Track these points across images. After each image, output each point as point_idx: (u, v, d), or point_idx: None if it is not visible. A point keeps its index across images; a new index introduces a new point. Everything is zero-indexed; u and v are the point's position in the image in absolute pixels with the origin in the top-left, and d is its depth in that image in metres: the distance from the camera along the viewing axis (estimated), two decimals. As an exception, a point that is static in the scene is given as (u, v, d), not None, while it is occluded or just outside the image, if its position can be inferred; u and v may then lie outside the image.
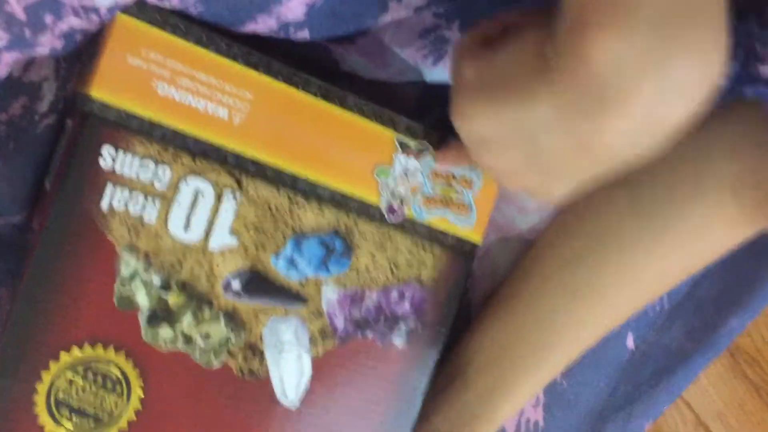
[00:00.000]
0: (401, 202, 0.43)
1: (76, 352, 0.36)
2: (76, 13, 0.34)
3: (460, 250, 0.44)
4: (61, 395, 0.36)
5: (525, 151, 0.31)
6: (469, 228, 0.45)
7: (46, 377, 0.36)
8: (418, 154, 0.43)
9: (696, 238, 0.44)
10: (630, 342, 0.51)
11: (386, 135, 0.42)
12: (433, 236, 0.44)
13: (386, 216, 0.42)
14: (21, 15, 0.33)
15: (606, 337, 0.49)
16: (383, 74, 0.44)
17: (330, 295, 0.42)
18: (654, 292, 0.46)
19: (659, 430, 0.90)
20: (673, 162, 0.44)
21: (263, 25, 0.37)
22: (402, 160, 0.42)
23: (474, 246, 0.45)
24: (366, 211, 0.42)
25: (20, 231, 0.40)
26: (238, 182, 0.39)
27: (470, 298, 0.50)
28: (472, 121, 0.31)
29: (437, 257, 0.44)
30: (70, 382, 0.36)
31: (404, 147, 0.42)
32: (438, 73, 0.44)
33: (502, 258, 0.50)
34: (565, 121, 0.28)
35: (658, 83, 0.26)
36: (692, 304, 0.51)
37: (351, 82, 0.45)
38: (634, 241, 0.45)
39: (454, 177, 0.44)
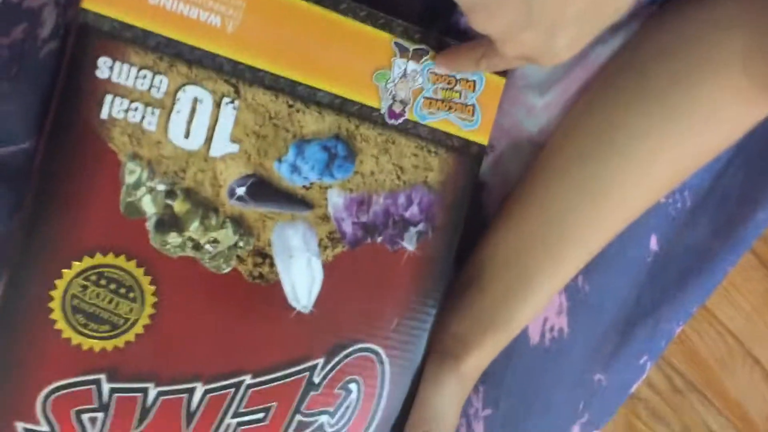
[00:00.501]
0: (402, 105, 0.43)
1: (87, 260, 0.37)
2: None
3: (466, 152, 0.44)
4: (75, 302, 0.37)
5: (521, 4, 0.31)
6: (473, 129, 0.44)
7: (60, 285, 0.37)
8: (417, 56, 0.42)
9: (708, 120, 0.42)
10: (653, 243, 0.51)
11: (383, 39, 0.42)
12: (438, 139, 0.44)
13: (387, 120, 0.42)
14: None
15: (628, 240, 0.49)
16: None
17: (336, 199, 0.42)
18: (667, 184, 0.45)
19: (704, 360, 0.89)
20: (678, 43, 0.42)
21: None
22: (401, 64, 0.42)
23: (480, 147, 0.45)
24: (367, 115, 0.42)
25: (29, 158, 0.41)
26: (236, 89, 0.39)
27: (485, 207, 0.50)
28: None
29: (443, 160, 0.44)
30: (84, 288, 0.38)
31: (402, 50, 0.42)
32: None
33: (514, 164, 0.49)
34: None
35: None
36: (715, 199, 0.50)
37: None
38: (643, 131, 0.44)
39: (456, 79, 0.44)
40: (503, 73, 0.45)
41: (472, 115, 0.44)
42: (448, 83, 0.43)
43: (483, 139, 0.45)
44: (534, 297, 0.46)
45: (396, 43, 0.42)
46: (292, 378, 0.42)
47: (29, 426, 0.37)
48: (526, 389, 0.50)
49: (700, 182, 0.49)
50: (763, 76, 0.40)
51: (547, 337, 0.50)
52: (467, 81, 0.44)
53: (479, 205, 0.50)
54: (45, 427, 0.38)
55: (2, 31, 0.38)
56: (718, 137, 0.43)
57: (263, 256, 0.41)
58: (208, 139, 0.39)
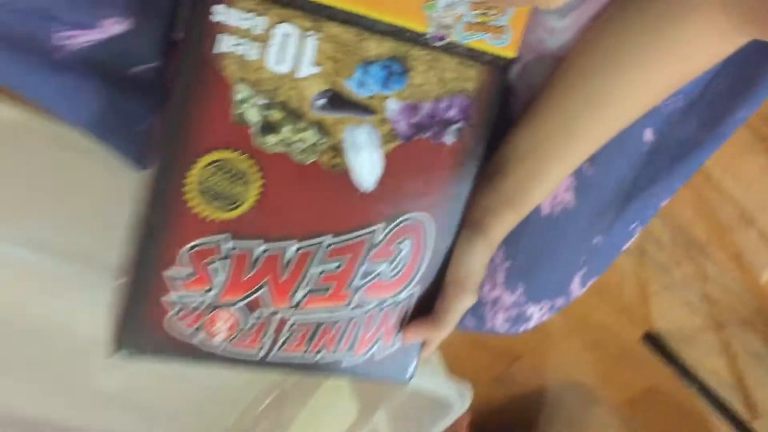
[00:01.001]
0: (446, 29, 0.54)
1: (211, 154, 0.51)
2: None
3: (497, 65, 0.55)
4: (203, 184, 0.52)
5: None
6: (504, 46, 0.55)
7: (193, 171, 0.51)
8: None
9: (692, 49, 0.52)
10: (648, 135, 0.62)
11: None
12: (475, 55, 0.55)
13: (434, 42, 0.53)
14: None
15: (627, 132, 0.60)
16: None
17: (393, 106, 0.54)
18: (657, 97, 0.56)
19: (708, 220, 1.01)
20: None
21: None
22: None
23: (509, 60, 0.56)
24: (418, 39, 0.53)
25: (159, 73, 0.54)
26: (316, 25, 0.51)
27: (512, 108, 0.62)
28: None
29: (479, 71, 0.55)
30: (209, 175, 0.52)
31: None
32: None
33: (538, 74, 0.60)
34: None
35: None
36: (706, 100, 0.60)
37: None
38: (641, 54, 0.54)
39: (490, 6, 0.54)
40: None
41: (503, 34, 0.55)
42: (484, 9, 0.54)
43: (512, 54, 0.55)
44: (547, 181, 0.59)
45: None
46: (360, 238, 0.57)
47: (175, 271, 0.53)
48: (538, 247, 0.64)
49: (693, 88, 0.59)
50: (739, 18, 0.49)
51: (557, 208, 0.63)
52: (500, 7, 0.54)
53: (508, 106, 0.61)
54: (187, 271, 0.53)
55: None
56: (699, 63, 0.53)
57: (337, 150, 0.54)
58: (296, 64, 0.51)
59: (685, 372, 1.22)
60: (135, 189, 0.56)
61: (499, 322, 0.69)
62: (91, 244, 0.62)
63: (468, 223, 0.59)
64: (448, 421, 0.84)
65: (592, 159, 0.61)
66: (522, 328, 0.70)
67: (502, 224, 0.59)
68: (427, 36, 0.53)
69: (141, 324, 0.54)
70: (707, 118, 0.62)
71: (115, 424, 1.04)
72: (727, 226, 1.09)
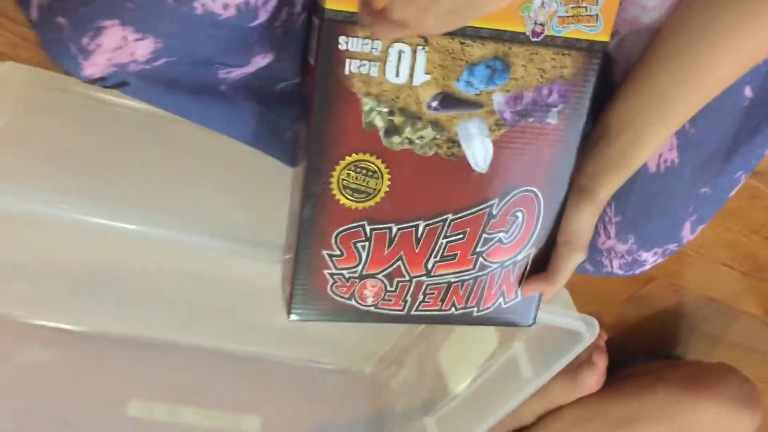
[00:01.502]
0: (542, 26, 0.60)
1: (349, 158, 0.62)
2: None
3: (592, 49, 0.62)
4: (344, 182, 0.63)
5: None
6: (597, 32, 0.61)
7: (335, 173, 0.62)
8: None
9: None
10: (748, 92, 0.66)
11: None
12: (570, 44, 0.61)
13: (531, 38, 0.60)
14: None
15: (727, 90, 0.64)
16: None
17: (498, 98, 0.62)
18: (751, 63, 0.60)
19: None
20: None
21: None
22: None
23: (603, 44, 0.61)
24: (516, 38, 0.60)
25: (298, 87, 0.65)
26: (425, 40, 0.59)
27: (613, 75, 0.67)
28: None
29: (574, 58, 0.62)
30: (348, 174, 0.62)
31: None
32: None
33: (635, 46, 0.65)
34: None
35: None
36: None
37: None
38: (732, 26, 0.58)
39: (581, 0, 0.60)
40: None
41: (596, 22, 0.61)
42: (576, 3, 0.60)
43: (605, 38, 0.61)
44: (648, 147, 0.65)
45: None
46: (478, 212, 0.66)
47: (328, 252, 0.65)
48: (648, 201, 0.70)
49: None
50: None
51: (662, 166, 0.69)
52: None
53: (609, 75, 0.67)
54: (337, 252, 0.65)
55: (275, 16, 0.60)
56: None
57: (453, 141, 0.63)
58: (411, 75, 0.60)
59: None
60: (289, 183, 0.68)
61: (615, 266, 0.76)
62: (257, 228, 0.75)
63: (575, 188, 0.67)
64: (579, 349, 0.93)
65: (693, 118, 0.66)
66: (639, 270, 0.77)
67: (607, 187, 0.66)
68: (525, 34, 0.60)
69: (308, 293, 0.67)
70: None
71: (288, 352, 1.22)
72: None
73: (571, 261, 0.67)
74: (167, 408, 1.08)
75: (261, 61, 0.61)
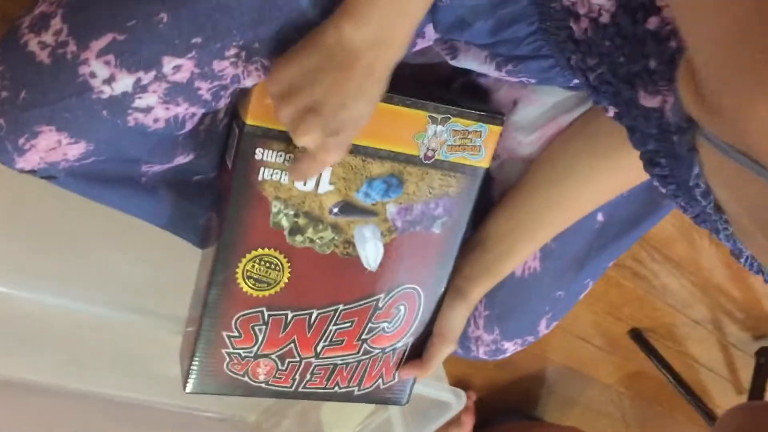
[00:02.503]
0: (433, 151, 0.69)
1: (255, 252, 0.69)
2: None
3: (474, 173, 0.71)
4: (248, 272, 0.69)
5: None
6: (479, 160, 0.71)
7: (242, 264, 0.69)
8: (443, 122, 0.68)
9: (629, 167, 0.68)
10: (600, 216, 0.77)
11: (421, 114, 0.67)
12: (456, 168, 0.71)
13: (423, 161, 0.69)
14: (208, 96, 0.60)
15: (580, 219, 0.76)
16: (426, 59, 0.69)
17: (392, 209, 0.71)
18: (605, 198, 0.72)
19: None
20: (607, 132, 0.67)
21: None
22: (432, 128, 0.68)
23: (484, 170, 0.71)
24: (411, 160, 0.69)
25: (213, 180, 0.71)
26: (331, 155, 0.67)
27: (492, 193, 0.78)
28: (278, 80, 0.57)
29: (459, 179, 0.71)
30: (253, 266, 0.69)
31: (433, 119, 0.68)
32: (456, 62, 0.68)
33: (512, 170, 0.76)
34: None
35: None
36: (644, 186, 0.75)
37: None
38: (587, 171, 0.69)
39: (468, 131, 0.69)
40: (500, 123, 0.70)
41: (479, 152, 0.71)
42: (463, 135, 0.70)
43: (486, 164, 0.71)
44: (518, 257, 0.75)
45: (430, 116, 0.68)
46: (366, 305, 0.74)
47: (228, 333, 0.71)
48: (512, 300, 0.81)
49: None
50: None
51: (527, 272, 0.80)
52: (476, 131, 0.70)
53: (489, 191, 0.78)
54: (236, 333, 0.72)
55: (200, 122, 0.67)
56: (635, 176, 0.69)
57: (349, 243, 0.71)
58: (317, 184, 0.68)
59: (661, 362, 1.39)
60: (197, 264, 0.74)
61: (481, 353, 0.86)
62: (162, 298, 0.80)
63: (452, 288, 0.76)
64: (447, 417, 1.03)
65: (555, 236, 0.77)
66: (500, 356, 0.87)
67: (480, 289, 0.76)
68: (419, 157, 0.69)
69: (205, 368, 0.73)
70: (646, 200, 0.77)
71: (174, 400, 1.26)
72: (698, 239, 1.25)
73: (443, 351, 0.76)
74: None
75: (183, 159, 0.68)
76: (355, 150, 0.67)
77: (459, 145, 0.70)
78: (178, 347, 0.79)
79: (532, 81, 0.64)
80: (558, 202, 0.72)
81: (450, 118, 0.68)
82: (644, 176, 0.69)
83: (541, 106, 0.71)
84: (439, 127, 0.68)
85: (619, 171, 0.69)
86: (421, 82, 0.71)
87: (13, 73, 0.60)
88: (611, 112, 0.57)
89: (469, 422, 1.31)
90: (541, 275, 0.80)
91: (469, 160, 0.71)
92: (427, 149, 0.69)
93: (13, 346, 1.05)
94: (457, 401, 1.01)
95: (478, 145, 0.70)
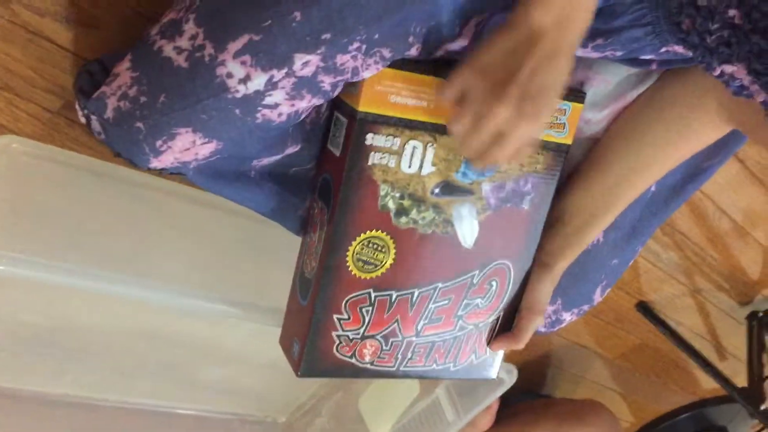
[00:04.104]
0: None
1: (364, 234, 0.71)
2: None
3: (559, 149, 0.76)
4: (358, 255, 0.72)
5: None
6: (563, 137, 0.75)
7: (351, 247, 0.71)
8: None
9: (697, 136, 0.74)
10: (652, 188, 0.83)
11: None
12: (543, 145, 0.75)
13: None
14: (328, 88, 0.63)
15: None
16: None
17: (486, 187, 0.74)
18: (672, 166, 0.78)
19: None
20: (683, 91, 0.72)
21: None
22: None
23: (568, 146, 0.76)
24: None
25: (309, 171, 0.73)
26: (434, 138, 0.70)
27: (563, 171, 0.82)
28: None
29: (546, 156, 0.75)
30: (362, 248, 0.72)
31: None
32: None
33: (576, 149, 0.80)
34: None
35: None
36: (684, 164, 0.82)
37: None
38: (656, 142, 0.75)
39: (556, 109, 0.74)
40: (582, 101, 0.75)
41: (564, 129, 0.75)
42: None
43: (569, 141, 0.76)
44: (596, 229, 0.79)
45: None
46: (462, 282, 0.77)
47: (338, 316, 0.74)
48: (575, 272, 0.85)
49: None
50: (726, 119, 0.70)
51: (591, 244, 0.84)
52: (561, 109, 0.74)
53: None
54: (345, 316, 0.74)
55: (320, 114, 0.69)
56: (701, 144, 0.75)
57: (447, 222, 0.74)
58: (420, 166, 0.71)
59: (670, 331, 1.47)
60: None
61: (541, 326, 0.91)
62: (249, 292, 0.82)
63: (536, 263, 0.80)
64: (500, 392, 1.06)
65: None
66: (557, 328, 0.92)
67: (563, 262, 0.80)
68: None
69: (316, 353, 0.74)
70: (692, 165, 0.84)
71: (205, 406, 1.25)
72: (704, 214, 1.33)
73: (533, 323, 0.80)
74: (98, 466, 1.08)
75: (291, 150, 0.70)
76: (456, 131, 0.70)
77: (548, 123, 0.74)
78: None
79: (618, 54, 0.69)
80: (635, 170, 0.77)
81: None
82: (714, 137, 0.75)
83: (607, 85, 0.76)
84: None
85: (691, 134, 0.74)
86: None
87: (149, 78, 0.61)
88: (718, 71, 0.62)
89: (495, 405, 1.35)
90: (602, 245, 0.85)
91: (554, 137, 0.75)
92: None
93: (61, 361, 1.04)
94: (509, 377, 1.05)
95: (562, 122, 0.75)
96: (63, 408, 1.07)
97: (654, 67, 0.72)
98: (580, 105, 0.75)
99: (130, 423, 1.13)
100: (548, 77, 0.58)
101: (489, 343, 0.82)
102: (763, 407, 1.48)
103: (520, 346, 0.82)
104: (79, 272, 0.78)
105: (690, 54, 0.64)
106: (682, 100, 0.73)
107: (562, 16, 0.56)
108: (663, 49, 0.67)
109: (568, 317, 0.90)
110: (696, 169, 0.84)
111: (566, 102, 0.74)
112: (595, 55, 0.69)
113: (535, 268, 0.80)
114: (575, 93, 0.74)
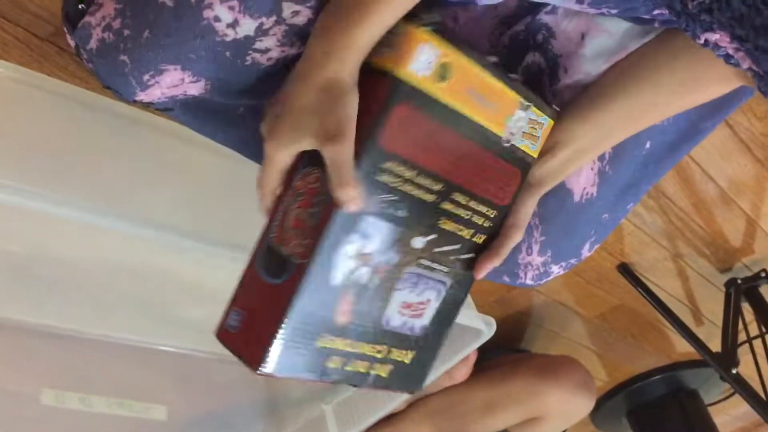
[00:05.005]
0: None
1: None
2: None
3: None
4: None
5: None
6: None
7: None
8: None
9: (705, 88, 0.73)
10: (647, 145, 0.83)
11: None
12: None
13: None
14: None
15: (635, 143, 0.81)
16: None
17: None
18: (670, 114, 0.78)
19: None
20: (686, 47, 0.72)
21: None
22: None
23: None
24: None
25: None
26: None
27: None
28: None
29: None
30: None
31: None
32: None
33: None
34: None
35: None
36: (684, 115, 0.81)
37: None
38: (666, 86, 0.73)
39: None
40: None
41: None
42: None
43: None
44: (582, 161, 0.77)
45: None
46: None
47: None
48: (568, 224, 0.86)
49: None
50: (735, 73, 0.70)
51: (584, 198, 0.85)
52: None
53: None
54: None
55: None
56: (707, 96, 0.74)
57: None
58: None
59: (649, 294, 1.49)
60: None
61: (528, 278, 0.92)
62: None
63: (525, 186, 0.78)
64: (478, 344, 1.08)
65: (610, 161, 0.83)
66: (545, 280, 0.93)
67: (547, 188, 0.79)
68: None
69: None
70: (686, 126, 0.84)
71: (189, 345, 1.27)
72: (691, 180, 1.34)
73: (514, 240, 0.78)
74: (78, 397, 1.09)
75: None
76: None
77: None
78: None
79: (614, 12, 0.68)
80: (634, 111, 0.76)
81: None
82: (720, 91, 0.75)
83: (609, 36, 0.75)
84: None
85: (697, 84, 0.73)
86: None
87: (134, 11, 0.60)
88: (703, 39, 0.62)
89: (473, 357, 1.37)
90: (596, 200, 0.85)
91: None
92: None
93: (42, 291, 1.04)
94: (488, 329, 1.07)
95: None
96: (44, 338, 1.07)
97: (656, 25, 0.71)
98: (552, 121, 0.74)
99: (111, 356, 1.15)
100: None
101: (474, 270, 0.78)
102: (734, 371, 1.51)
103: (498, 261, 0.78)
104: (62, 201, 0.78)
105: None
106: (697, 50, 0.72)
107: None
108: (656, 12, 0.66)
109: (556, 270, 0.91)
110: (692, 129, 0.84)
111: (546, 117, 0.74)
112: (591, 10, 0.69)
113: (523, 191, 0.78)
114: (554, 109, 0.74)
